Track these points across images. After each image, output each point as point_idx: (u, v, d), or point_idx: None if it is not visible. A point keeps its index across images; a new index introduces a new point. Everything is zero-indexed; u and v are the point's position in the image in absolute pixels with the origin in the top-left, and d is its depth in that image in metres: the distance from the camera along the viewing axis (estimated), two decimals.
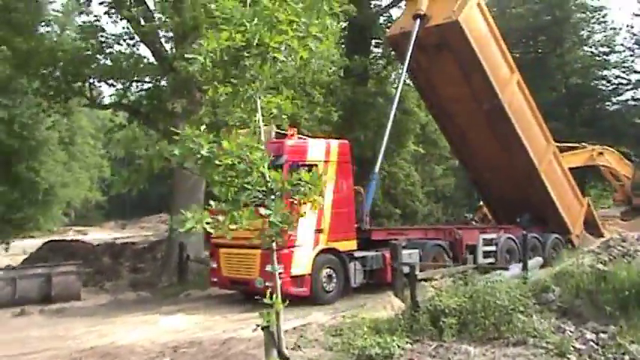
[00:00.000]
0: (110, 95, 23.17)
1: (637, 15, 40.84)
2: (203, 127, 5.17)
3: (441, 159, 31.01)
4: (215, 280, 15.45)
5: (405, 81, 22.57)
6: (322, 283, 14.49)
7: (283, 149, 14.25)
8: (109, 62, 19.86)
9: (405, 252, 15.40)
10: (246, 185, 5.04)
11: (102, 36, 20.18)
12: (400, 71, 19.22)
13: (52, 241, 24.85)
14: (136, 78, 20.48)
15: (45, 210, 32.05)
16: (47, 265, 17.73)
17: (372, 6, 26.45)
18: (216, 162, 5.02)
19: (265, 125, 5.29)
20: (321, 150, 15.18)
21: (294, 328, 11.19)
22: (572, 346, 8.52)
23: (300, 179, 5.19)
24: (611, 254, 11.08)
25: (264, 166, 5.14)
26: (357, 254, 15.28)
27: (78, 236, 30.60)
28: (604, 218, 23.44)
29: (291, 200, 13.92)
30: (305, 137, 15.47)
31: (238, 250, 14.44)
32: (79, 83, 20.35)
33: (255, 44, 5.11)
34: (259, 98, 5.26)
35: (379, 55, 27.27)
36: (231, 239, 14.05)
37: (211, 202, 5.14)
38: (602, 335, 8.84)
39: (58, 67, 20.05)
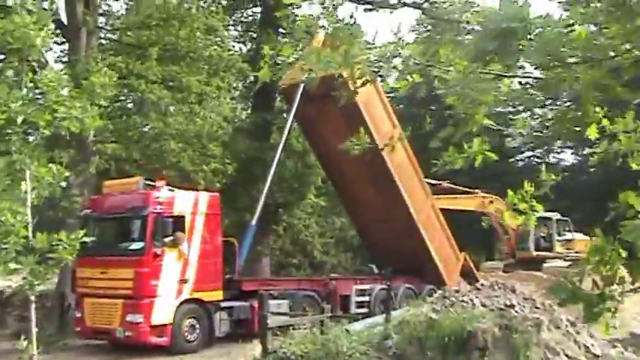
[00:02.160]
0: None
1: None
2: None
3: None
4: (79, 329, 15.58)
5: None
6: (184, 333, 14.80)
7: (149, 201, 14.76)
8: None
9: (273, 302, 15.74)
10: (4, 245, 5.55)
11: None
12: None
13: None
14: None
15: None
16: None
17: (278, 62, 27.30)
18: None
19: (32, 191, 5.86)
20: (188, 202, 15.65)
21: None
22: None
23: (60, 239, 5.72)
24: (444, 304, 11.81)
25: (25, 228, 5.65)
26: (224, 304, 15.64)
27: None
28: (489, 270, 24.43)
29: (154, 251, 14.49)
30: (174, 189, 15.83)
31: (101, 299, 14.71)
32: None
33: (19, 123, 5.71)
34: (29, 169, 5.83)
35: (284, 109, 28.13)
36: (94, 289, 14.40)
37: None
38: None
39: None
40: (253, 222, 17.72)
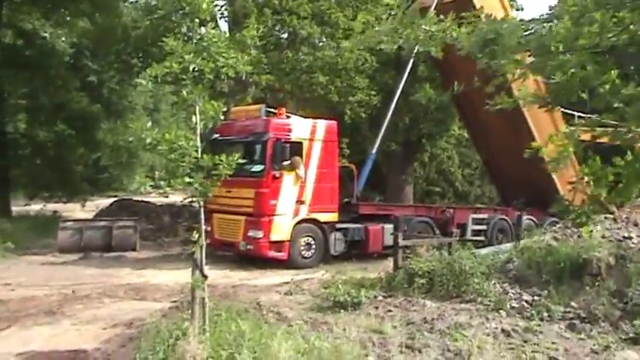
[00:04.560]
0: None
1: None
2: (149, 124, 7.39)
3: None
4: (208, 241, 17.20)
5: None
6: (301, 250, 15.89)
7: (269, 127, 15.72)
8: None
9: (387, 226, 16.81)
10: (180, 164, 7.18)
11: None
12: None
13: (120, 199, 27.48)
14: None
15: (129, 172, 34.40)
16: (110, 219, 19.96)
17: None
18: (159, 147, 7.21)
19: (202, 121, 7.45)
20: (306, 129, 16.39)
21: (292, 279, 13.16)
22: (509, 305, 10.04)
23: (221, 160, 7.26)
24: (565, 233, 12.49)
25: (196, 151, 7.27)
26: (339, 225, 16.56)
27: (158, 198, 33.32)
28: (636, 207, 23.76)
29: (273, 174, 15.55)
30: (293, 116, 16.66)
31: (227, 215, 16.03)
32: (148, 60, 21.24)
33: (191, 70, 7.24)
34: (198, 105, 7.40)
35: None
36: (221, 206, 15.86)
37: (156, 172, 7.45)
38: (536, 297, 10.22)
39: (130, 43, 22.14)
40: (373, 151, 18.45)
